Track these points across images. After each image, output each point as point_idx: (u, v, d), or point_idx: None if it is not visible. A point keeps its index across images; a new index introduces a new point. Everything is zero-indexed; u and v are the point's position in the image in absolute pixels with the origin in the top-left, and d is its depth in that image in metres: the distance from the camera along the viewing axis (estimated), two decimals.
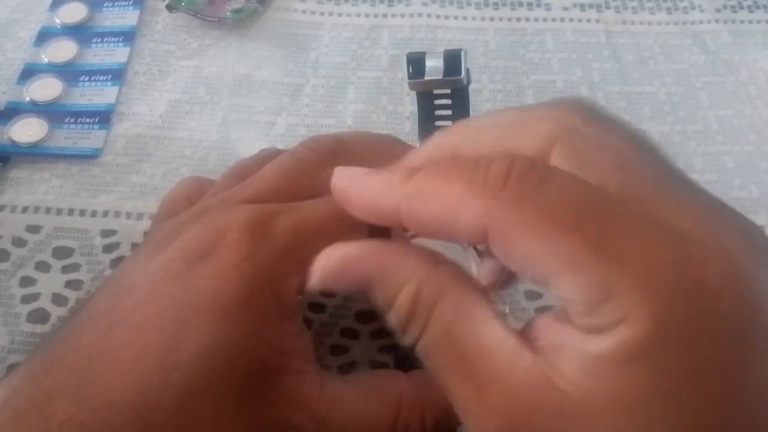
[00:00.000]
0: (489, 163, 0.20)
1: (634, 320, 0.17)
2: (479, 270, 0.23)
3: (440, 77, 0.33)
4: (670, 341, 0.17)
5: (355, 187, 0.23)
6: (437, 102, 0.35)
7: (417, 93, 0.35)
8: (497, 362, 0.19)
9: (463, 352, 0.20)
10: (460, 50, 0.32)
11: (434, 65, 0.33)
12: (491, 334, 0.20)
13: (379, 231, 0.26)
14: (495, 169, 0.19)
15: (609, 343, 0.17)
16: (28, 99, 0.44)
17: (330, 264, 0.22)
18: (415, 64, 0.33)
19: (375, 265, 0.22)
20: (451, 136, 0.24)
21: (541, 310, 0.35)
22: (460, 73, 0.32)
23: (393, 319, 0.22)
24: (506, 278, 0.23)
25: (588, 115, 0.21)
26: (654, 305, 0.17)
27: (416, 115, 0.36)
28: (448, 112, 0.35)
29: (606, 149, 0.20)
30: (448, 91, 0.34)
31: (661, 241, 0.18)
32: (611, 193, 0.19)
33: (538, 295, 0.36)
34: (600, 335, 0.18)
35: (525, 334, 0.20)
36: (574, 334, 0.19)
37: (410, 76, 0.33)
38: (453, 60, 0.32)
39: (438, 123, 0.35)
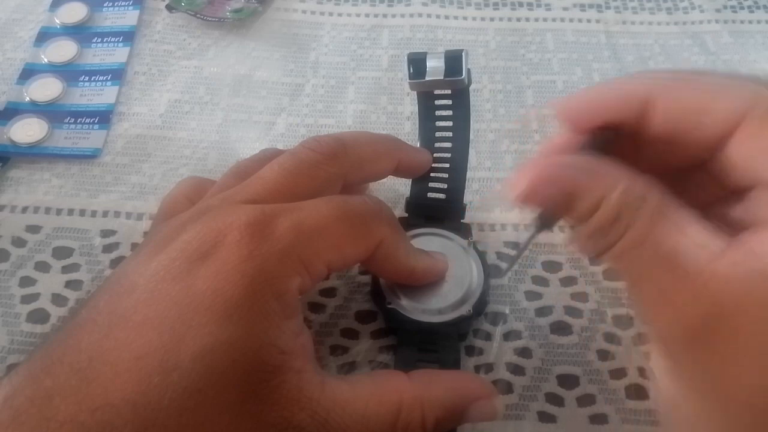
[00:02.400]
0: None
1: None
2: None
3: (441, 78, 0.33)
4: None
5: (589, 95, 0.26)
6: (438, 102, 0.35)
7: (417, 93, 0.35)
8: (704, 255, 0.21)
9: (666, 249, 0.22)
10: (461, 51, 0.32)
11: (435, 66, 0.33)
12: (696, 231, 0.22)
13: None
14: (751, 83, 0.23)
15: None
16: (28, 99, 0.44)
17: (536, 175, 0.23)
18: (416, 64, 0.33)
19: (581, 172, 0.23)
20: (641, 80, 0.26)
21: (541, 310, 0.35)
22: (461, 73, 0.32)
23: (595, 223, 0.23)
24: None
25: None
26: None
27: (416, 116, 0.36)
28: (449, 113, 0.35)
29: None
30: (449, 91, 0.34)
31: None
32: None
33: (538, 296, 0.36)
34: None
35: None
36: None
37: (411, 77, 0.33)
38: (454, 60, 0.32)
39: (438, 123, 0.35)
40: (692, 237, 0.22)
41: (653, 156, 0.25)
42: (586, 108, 0.25)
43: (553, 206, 0.23)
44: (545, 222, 0.24)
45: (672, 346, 0.23)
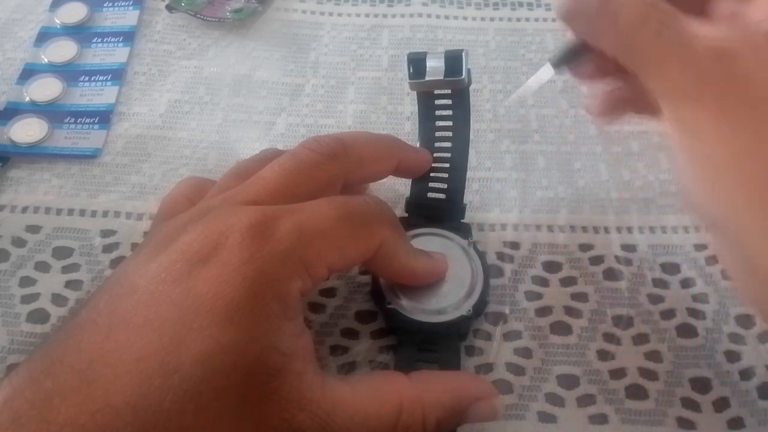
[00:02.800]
0: None
1: None
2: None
3: (441, 78, 0.33)
4: None
5: None
6: (438, 102, 0.35)
7: (417, 93, 0.35)
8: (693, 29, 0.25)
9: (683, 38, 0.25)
10: (461, 51, 0.32)
11: (435, 65, 0.32)
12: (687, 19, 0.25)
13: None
14: None
15: None
16: (28, 99, 0.44)
17: None
18: (416, 64, 0.33)
19: None
20: None
21: (541, 310, 0.36)
22: (461, 73, 0.32)
23: (620, 24, 0.26)
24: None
25: None
26: None
27: (416, 116, 0.36)
28: (449, 113, 0.35)
29: None
30: (449, 91, 0.34)
31: None
32: None
33: (538, 296, 0.36)
34: None
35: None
36: None
37: (411, 77, 0.33)
38: (454, 60, 0.32)
39: (438, 123, 0.35)
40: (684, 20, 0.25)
41: None
42: None
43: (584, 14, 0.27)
44: (559, 61, 0.30)
45: (675, 102, 0.25)
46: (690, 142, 0.25)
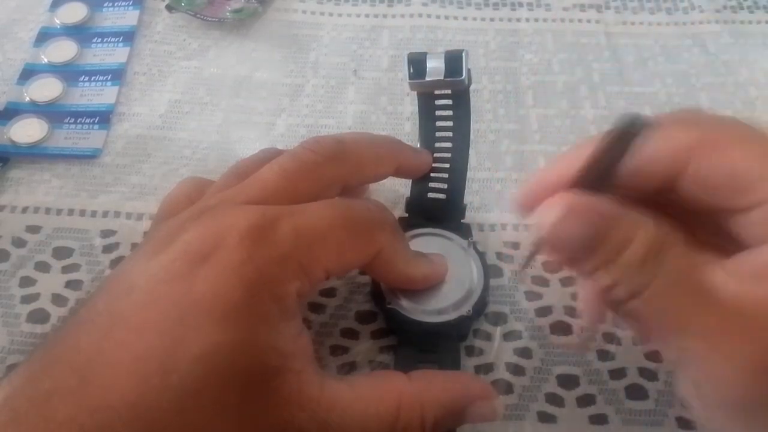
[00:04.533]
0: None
1: None
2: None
3: (441, 78, 0.33)
4: None
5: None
6: (438, 103, 0.34)
7: (418, 94, 0.35)
8: (735, 286, 0.22)
9: (703, 288, 0.22)
10: (462, 51, 0.32)
11: (435, 66, 0.32)
12: (716, 274, 0.22)
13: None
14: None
15: None
16: (27, 99, 0.44)
17: (562, 215, 0.23)
18: (416, 64, 0.33)
19: (610, 213, 0.23)
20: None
21: (541, 310, 0.35)
22: (461, 74, 0.32)
23: (626, 260, 0.23)
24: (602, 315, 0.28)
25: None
26: None
27: (416, 116, 0.36)
28: (449, 113, 0.35)
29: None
30: (449, 91, 0.34)
31: None
32: None
33: (538, 296, 0.36)
34: None
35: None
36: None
37: (411, 77, 0.33)
38: (454, 61, 0.32)
39: (439, 123, 0.35)
40: (721, 271, 0.22)
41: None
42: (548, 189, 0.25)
43: (576, 246, 0.23)
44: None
45: (740, 380, 0.22)
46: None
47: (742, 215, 0.23)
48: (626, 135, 0.23)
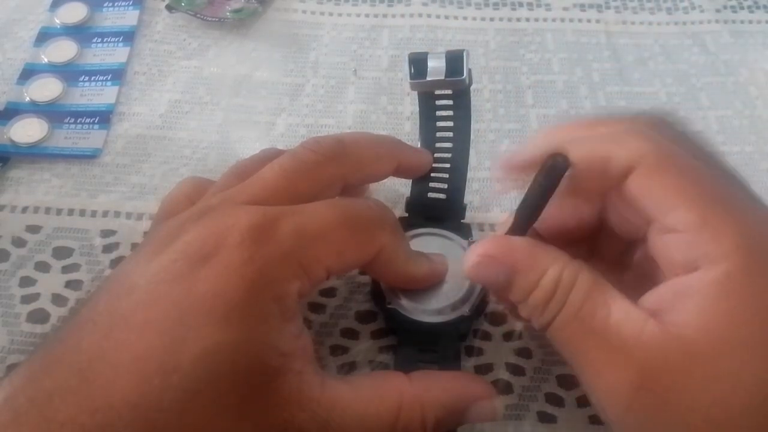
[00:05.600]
0: (638, 116, 0.28)
1: (730, 257, 0.23)
2: None
3: (442, 78, 0.33)
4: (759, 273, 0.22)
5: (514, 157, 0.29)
6: (438, 103, 0.35)
7: (418, 93, 0.35)
8: (626, 330, 0.24)
9: (596, 325, 0.24)
10: (463, 51, 0.32)
11: (436, 66, 0.32)
12: (620, 308, 0.24)
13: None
14: (645, 119, 0.28)
15: (708, 277, 0.23)
16: (28, 99, 0.44)
17: (482, 254, 0.27)
18: (417, 64, 0.33)
19: (522, 254, 0.26)
20: (555, 134, 0.29)
21: None
22: (462, 73, 0.32)
23: (533, 301, 0.26)
24: None
25: (672, 135, 0.27)
26: (748, 254, 0.23)
27: (416, 116, 0.36)
28: (450, 113, 0.35)
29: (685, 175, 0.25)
30: (450, 91, 0.34)
31: (756, 207, 0.26)
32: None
33: None
34: (697, 271, 0.23)
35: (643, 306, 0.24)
36: (678, 281, 0.24)
37: (412, 77, 0.33)
38: (455, 60, 0.32)
39: (439, 124, 0.35)
40: (618, 312, 0.24)
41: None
42: (521, 165, 0.29)
43: (497, 282, 0.27)
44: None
45: (611, 411, 0.24)
46: None
47: (654, 241, 0.26)
48: (553, 173, 0.26)
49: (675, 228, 0.24)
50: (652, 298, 0.25)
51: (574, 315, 0.25)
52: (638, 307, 0.24)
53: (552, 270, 0.25)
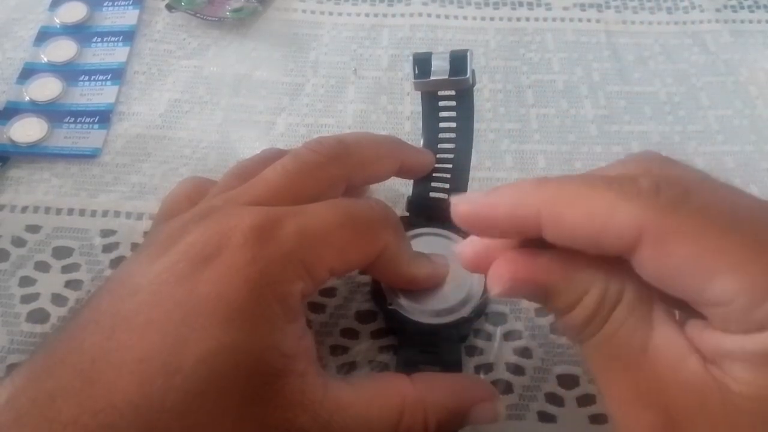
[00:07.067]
0: (636, 177, 0.21)
1: None
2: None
3: (446, 77, 0.33)
4: None
5: (487, 203, 0.23)
6: (441, 103, 0.35)
7: (422, 93, 0.35)
8: (664, 361, 0.21)
9: (630, 350, 0.21)
10: (467, 51, 0.32)
11: (440, 65, 0.32)
12: (662, 335, 0.21)
13: None
14: (645, 182, 0.20)
15: None
16: (27, 98, 0.44)
17: (513, 273, 0.23)
18: (421, 64, 0.33)
19: (559, 271, 0.22)
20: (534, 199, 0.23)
21: (541, 310, 0.35)
22: (465, 73, 0.32)
23: (572, 320, 0.22)
24: None
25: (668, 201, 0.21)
26: None
27: (417, 115, 0.36)
28: (452, 114, 0.35)
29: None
30: (453, 92, 0.34)
31: None
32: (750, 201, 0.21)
33: None
34: (761, 333, 0.19)
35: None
36: (732, 338, 0.20)
37: (416, 76, 0.33)
38: (459, 60, 0.32)
39: (442, 124, 0.35)
40: (659, 338, 0.21)
41: None
42: (481, 222, 0.23)
43: (531, 298, 0.23)
44: None
45: None
46: None
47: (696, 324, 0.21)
48: None
49: (719, 302, 0.19)
50: (696, 335, 0.21)
51: (611, 336, 0.22)
52: (683, 335, 0.21)
53: (596, 288, 0.22)
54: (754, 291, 0.19)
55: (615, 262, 0.21)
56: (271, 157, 0.31)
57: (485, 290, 0.33)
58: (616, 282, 0.22)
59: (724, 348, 0.20)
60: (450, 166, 0.35)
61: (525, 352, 0.34)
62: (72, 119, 0.43)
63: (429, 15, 0.50)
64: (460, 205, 0.23)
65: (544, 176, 0.25)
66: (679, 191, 0.20)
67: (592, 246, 0.21)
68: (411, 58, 0.33)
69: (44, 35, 0.48)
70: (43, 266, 0.37)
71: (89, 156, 0.42)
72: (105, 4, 0.50)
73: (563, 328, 0.23)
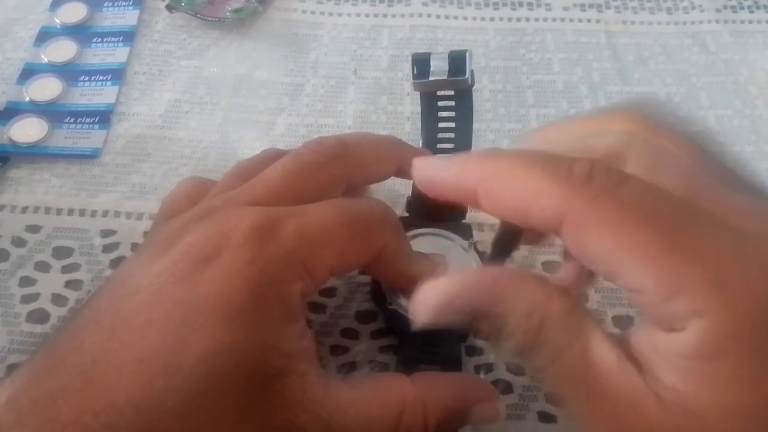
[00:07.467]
0: (572, 161, 0.21)
1: (708, 314, 0.18)
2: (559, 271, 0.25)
3: (445, 78, 0.33)
4: (744, 333, 0.18)
5: (439, 168, 0.24)
6: (440, 104, 0.34)
7: (421, 93, 0.35)
8: (606, 379, 0.20)
9: (577, 369, 0.21)
10: (466, 51, 0.32)
11: (439, 66, 0.32)
12: (602, 354, 0.21)
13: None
14: (578, 167, 0.21)
15: (688, 340, 0.19)
16: (27, 99, 0.44)
17: (439, 298, 0.22)
18: (420, 64, 0.33)
19: (490, 294, 0.22)
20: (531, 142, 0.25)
21: None
22: (464, 73, 0.32)
23: (514, 342, 0.22)
24: (585, 278, 0.25)
25: (654, 124, 0.23)
26: (724, 297, 0.18)
27: (417, 116, 0.36)
28: (452, 114, 0.35)
29: (670, 159, 0.22)
30: (452, 92, 0.34)
31: (726, 240, 0.19)
32: (679, 196, 0.20)
33: None
34: (677, 332, 0.19)
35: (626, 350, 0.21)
36: (660, 336, 0.20)
37: (415, 77, 0.33)
38: (458, 61, 0.32)
39: (441, 124, 0.35)
40: (600, 359, 0.21)
41: None
42: (433, 186, 0.24)
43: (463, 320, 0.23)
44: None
45: None
46: None
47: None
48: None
49: (632, 289, 0.20)
50: (635, 341, 0.21)
51: (554, 358, 0.21)
52: (622, 353, 0.21)
53: (533, 313, 0.21)
54: (659, 285, 0.19)
55: (538, 281, 0.22)
56: (271, 157, 0.31)
57: None
58: (556, 305, 0.21)
59: (657, 348, 0.20)
60: None
61: None
62: (72, 119, 0.43)
63: (429, 15, 0.50)
64: (418, 167, 0.24)
65: (495, 148, 0.27)
66: (612, 181, 0.20)
67: (521, 222, 0.22)
68: (410, 58, 0.33)
69: (44, 35, 0.48)
70: (43, 266, 0.37)
71: (89, 156, 0.42)
72: (105, 4, 0.50)
73: (509, 348, 0.22)
